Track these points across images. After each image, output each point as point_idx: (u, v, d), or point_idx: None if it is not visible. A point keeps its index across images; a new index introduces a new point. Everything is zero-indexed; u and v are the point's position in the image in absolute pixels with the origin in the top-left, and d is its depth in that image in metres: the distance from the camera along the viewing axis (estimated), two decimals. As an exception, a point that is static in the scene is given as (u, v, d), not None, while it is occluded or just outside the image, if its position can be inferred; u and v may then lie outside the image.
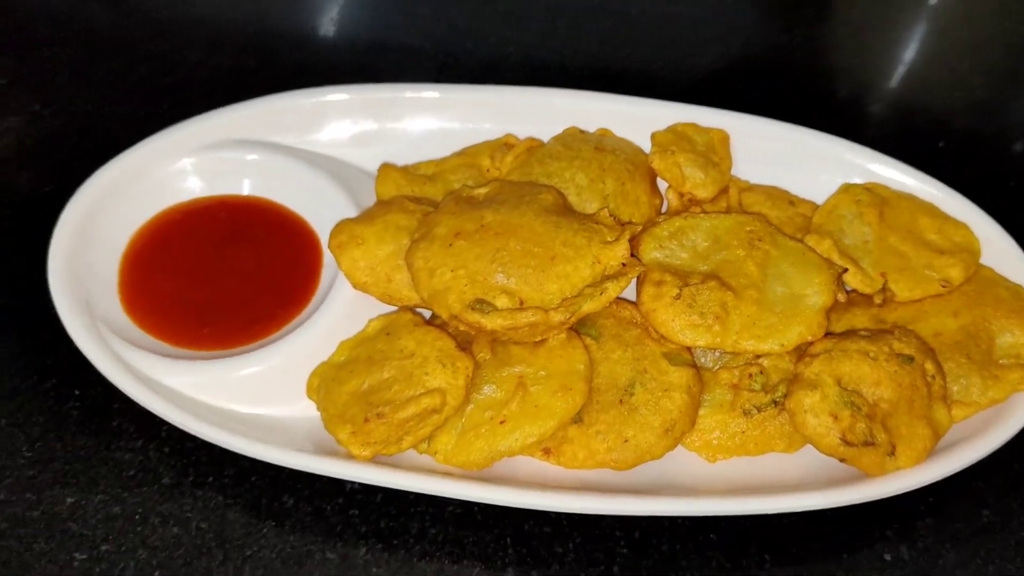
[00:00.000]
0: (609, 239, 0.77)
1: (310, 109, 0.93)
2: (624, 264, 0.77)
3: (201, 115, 0.89)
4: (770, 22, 1.20)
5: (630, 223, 0.81)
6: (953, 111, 1.11)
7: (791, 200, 0.91)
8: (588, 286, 0.75)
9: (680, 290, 0.77)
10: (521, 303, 0.73)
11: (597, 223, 0.79)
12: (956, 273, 0.81)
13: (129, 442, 0.79)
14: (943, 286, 0.81)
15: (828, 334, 0.77)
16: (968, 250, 0.84)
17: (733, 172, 0.93)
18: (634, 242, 0.83)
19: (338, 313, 0.80)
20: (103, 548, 0.73)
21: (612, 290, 0.74)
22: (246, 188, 0.88)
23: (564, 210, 0.81)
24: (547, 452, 0.75)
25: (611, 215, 0.82)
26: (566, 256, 0.76)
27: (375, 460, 0.72)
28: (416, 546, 0.74)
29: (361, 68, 1.11)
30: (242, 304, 0.83)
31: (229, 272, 0.84)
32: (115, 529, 0.74)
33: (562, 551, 0.74)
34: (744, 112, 0.93)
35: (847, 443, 0.70)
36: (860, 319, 0.82)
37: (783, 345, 0.75)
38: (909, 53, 1.20)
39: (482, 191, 0.83)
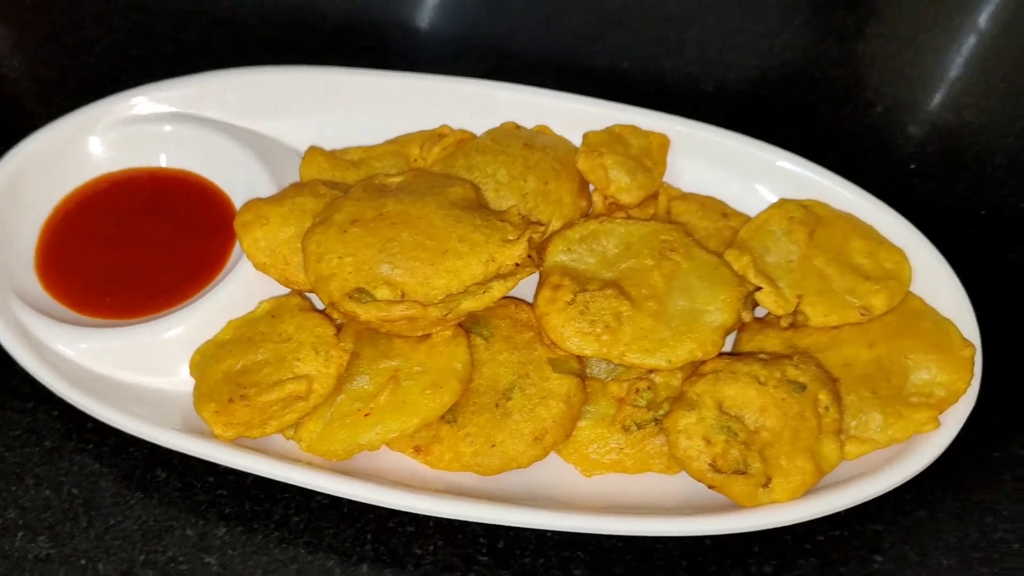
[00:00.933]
0: (510, 238, 0.75)
1: (249, 87, 0.92)
2: (518, 264, 0.74)
3: (126, 91, 0.90)
4: (808, 29, 1.14)
5: (536, 223, 0.78)
6: (938, 134, 1.04)
7: (725, 212, 0.87)
8: (476, 284, 0.73)
9: (575, 296, 0.74)
10: (403, 295, 0.72)
11: (503, 221, 0.77)
12: (878, 301, 0.76)
13: (22, 402, 0.80)
14: (862, 314, 0.76)
15: (725, 354, 0.74)
16: (897, 278, 0.78)
17: (673, 179, 0.90)
18: (545, 244, 0.80)
19: (235, 292, 0.79)
20: (-26, 503, 0.74)
21: (497, 290, 0.72)
22: (164, 160, 0.89)
23: (472, 205, 0.78)
24: (418, 450, 0.73)
25: (521, 215, 0.80)
26: (459, 252, 0.73)
27: (246, 444, 0.72)
28: (275, 532, 0.73)
29: (327, 48, 1.11)
30: (149, 275, 0.83)
31: (141, 243, 0.85)
32: (-10, 486, 0.75)
33: (421, 552, 0.72)
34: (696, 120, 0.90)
35: (716, 470, 0.67)
36: (771, 342, 0.78)
37: (671, 361, 0.71)
38: (953, 72, 1.13)
39: (396, 180, 0.81)
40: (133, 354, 0.77)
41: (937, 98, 1.07)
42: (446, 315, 0.70)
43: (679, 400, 0.70)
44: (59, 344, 0.76)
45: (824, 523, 0.72)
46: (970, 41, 1.14)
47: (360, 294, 0.71)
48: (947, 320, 0.77)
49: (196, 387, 0.73)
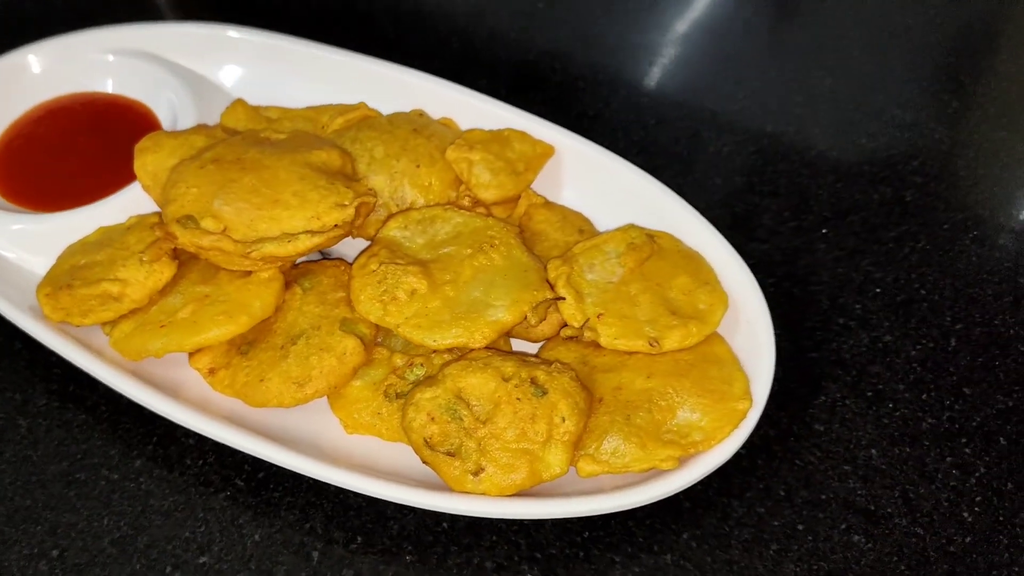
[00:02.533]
0: (345, 203, 0.81)
1: (206, 40, 1.03)
2: (337, 226, 0.80)
3: (105, 27, 1.03)
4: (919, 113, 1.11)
5: (369, 193, 0.83)
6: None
7: (582, 229, 0.89)
8: (288, 234, 0.79)
9: (381, 265, 0.79)
10: (224, 231, 0.79)
11: (347, 188, 0.83)
12: (671, 337, 0.76)
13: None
14: (651, 344, 0.76)
15: (499, 350, 0.76)
16: (702, 320, 0.78)
17: (554, 192, 0.93)
18: (388, 219, 0.86)
19: (120, 204, 0.90)
20: None
21: (302, 242, 0.78)
22: (111, 87, 1.01)
23: (329, 171, 0.85)
24: (211, 372, 0.80)
25: (371, 190, 0.85)
26: (288, 204, 0.80)
27: (73, 333, 0.81)
28: (83, 415, 0.82)
29: (316, 17, 1.20)
30: (73, 178, 0.95)
31: (78, 153, 0.97)
32: None
33: (190, 463, 0.79)
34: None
35: (430, 446, 0.70)
36: (568, 355, 0.79)
37: (436, 342, 0.75)
38: None
39: (280, 136, 0.89)
40: (23, 237, 0.88)
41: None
42: (249, 252, 0.77)
43: (429, 378, 0.74)
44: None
45: (563, 541, 0.73)
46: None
47: (187, 220, 0.79)
48: (741, 372, 0.76)
49: (46, 273, 0.84)
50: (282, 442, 0.75)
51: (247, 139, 0.87)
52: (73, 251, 0.85)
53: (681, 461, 0.71)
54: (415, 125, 0.93)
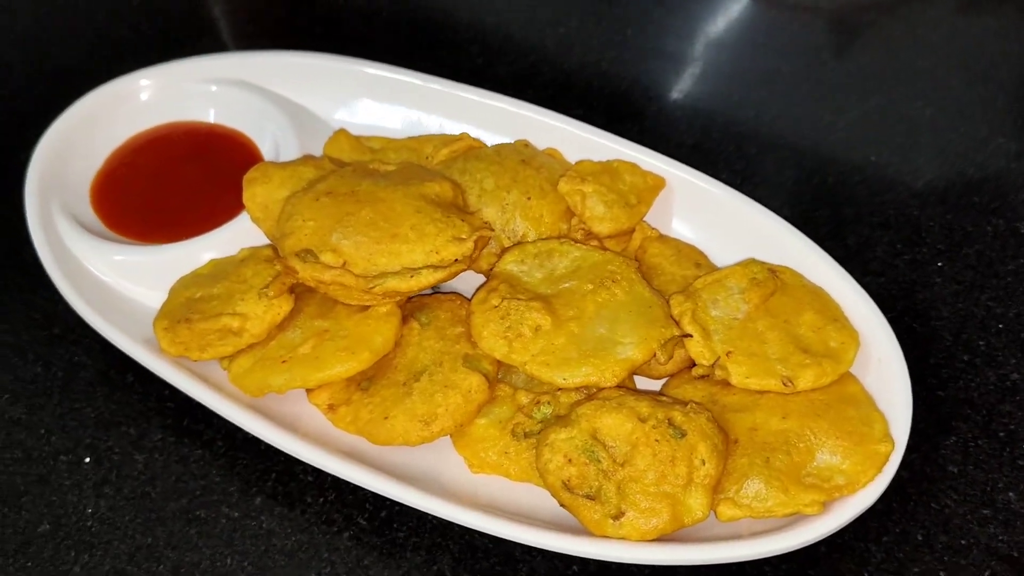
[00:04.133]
0: (462, 237, 0.80)
1: (307, 68, 1.03)
2: (456, 260, 0.79)
3: (205, 55, 1.03)
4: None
5: (486, 227, 0.82)
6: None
7: (699, 263, 0.87)
8: (410, 268, 0.78)
9: (503, 301, 0.78)
10: (344, 265, 0.78)
11: (463, 221, 0.82)
12: (805, 376, 0.74)
13: (50, 293, 0.90)
14: (784, 384, 0.74)
15: (631, 388, 0.75)
16: (835, 358, 0.76)
17: (665, 224, 0.91)
18: (504, 252, 0.84)
19: (229, 236, 0.89)
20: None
21: (424, 277, 0.77)
22: (213, 116, 1.01)
23: (443, 203, 0.84)
24: (331, 408, 0.79)
25: (486, 222, 0.85)
26: (407, 238, 0.79)
27: (189, 367, 0.80)
28: (199, 450, 0.81)
29: (409, 54, 1.20)
30: (178, 209, 0.95)
31: (181, 182, 0.97)
32: (1, 355, 0.89)
33: (311, 501, 0.78)
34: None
35: (568, 489, 0.68)
36: (695, 393, 0.77)
37: (566, 380, 0.73)
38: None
39: (389, 167, 0.89)
40: (134, 269, 0.88)
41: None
42: (371, 288, 0.76)
43: (562, 417, 0.72)
44: (78, 250, 0.88)
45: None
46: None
47: (306, 254, 0.78)
48: (878, 413, 0.74)
49: (162, 305, 0.83)
50: (405, 480, 0.73)
51: (357, 171, 0.87)
52: (186, 284, 0.85)
53: (825, 506, 0.69)
54: (523, 156, 0.92)
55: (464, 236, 0.80)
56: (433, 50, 1.21)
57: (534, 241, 0.85)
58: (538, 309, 0.77)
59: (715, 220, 0.90)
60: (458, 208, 0.85)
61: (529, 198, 0.88)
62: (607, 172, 0.90)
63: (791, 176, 1.03)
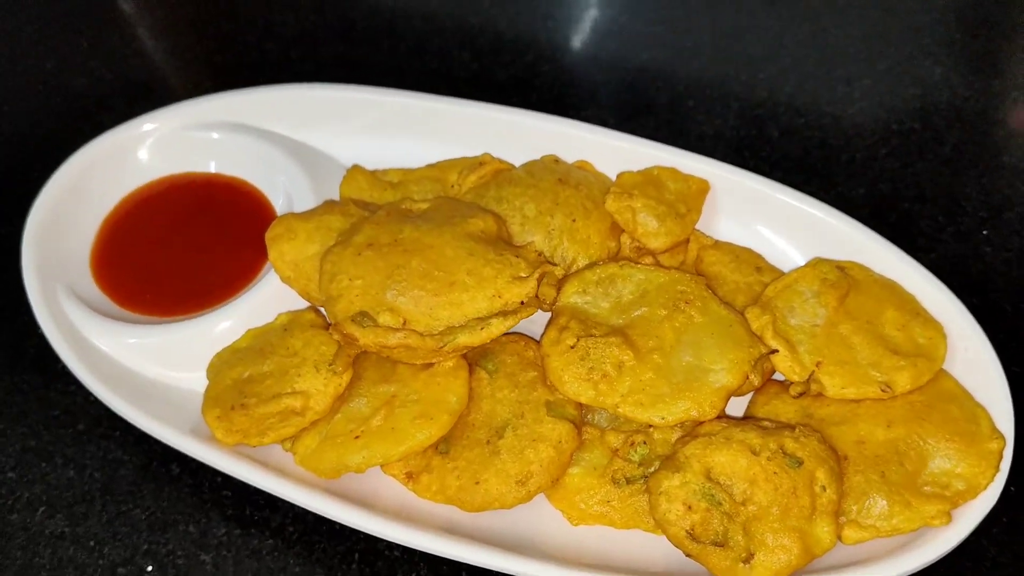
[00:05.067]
0: (522, 275, 0.75)
1: (302, 102, 0.96)
2: (523, 303, 0.74)
3: (192, 99, 0.94)
4: (891, 78, 1.09)
5: (549, 263, 0.77)
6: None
7: (759, 266, 0.84)
8: (477, 319, 0.73)
9: (578, 340, 0.73)
10: (404, 323, 0.73)
11: (518, 257, 0.77)
12: (902, 379, 0.72)
13: (65, 385, 0.85)
14: (883, 390, 0.72)
15: (731, 418, 0.71)
16: (927, 356, 0.74)
17: (711, 226, 0.88)
18: (561, 283, 0.80)
19: (259, 301, 0.82)
20: (8, 475, 0.80)
21: (495, 327, 0.72)
22: (214, 167, 0.93)
23: (491, 239, 0.79)
24: (410, 477, 0.74)
25: (539, 252, 0.80)
26: (466, 285, 0.74)
27: (246, 452, 0.74)
28: (270, 539, 0.75)
29: (396, 69, 1.13)
30: (189, 275, 0.87)
31: (187, 244, 0.89)
32: (24, 461, 0.81)
33: (403, 578, 0.73)
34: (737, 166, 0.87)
35: (694, 538, 0.65)
36: (786, 408, 0.74)
37: (664, 418, 0.69)
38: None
39: (422, 206, 0.83)
40: (161, 351, 0.81)
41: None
42: (441, 347, 0.71)
43: (667, 460, 0.68)
44: (96, 337, 0.81)
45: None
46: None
47: (362, 318, 0.73)
48: (980, 407, 0.72)
49: (207, 390, 0.77)
50: (504, 545, 0.69)
51: (392, 215, 0.81)
52: (228, 363, 0.78)
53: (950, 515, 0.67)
54: (558, 174, 0.87)
55: (524, 274, 0.75)
56: (422, 60, 1.14)
57: (591, 267, 0.80)
58: (618, 344, 0.72)
59: (762, 217, 0.87)
60: (505, 242, 0.80)
61: (574, 220, 0.84)
62: (651, 183, 0.85)
63: (818, 156, 1.00)
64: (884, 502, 0.67)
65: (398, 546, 0.75)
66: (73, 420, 0.83)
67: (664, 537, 0.70)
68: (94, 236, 0.90)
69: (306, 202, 0.88)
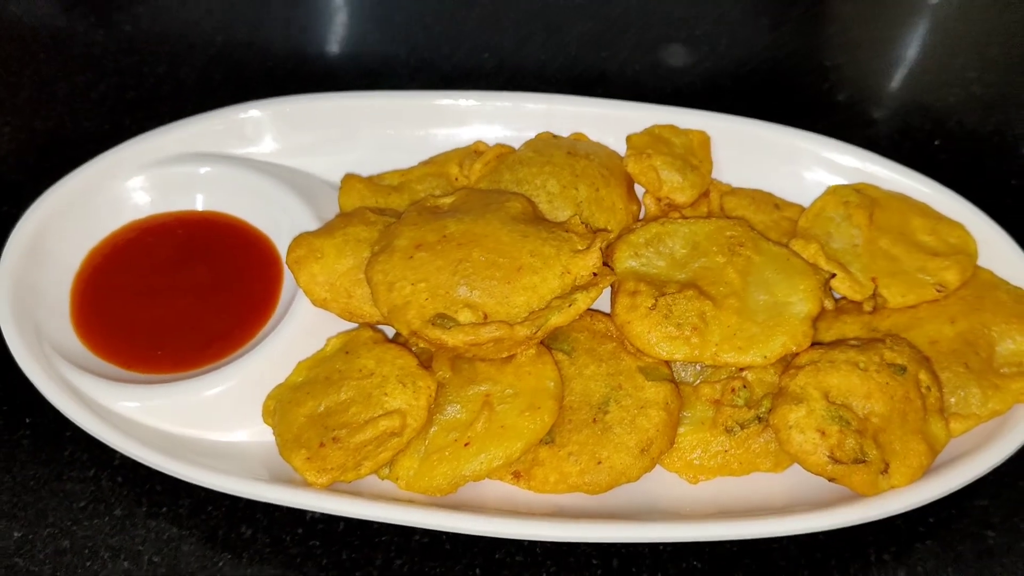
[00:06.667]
0: (580, 248, 0.73)
1: (268, 120, 0.89)
2: (595, 274, 0.72)
3: (152, 131, 0.85)
4: (757, 19, 1.15)
5: (603, 230, 0.76)
6: (953, 110, 1.05)
7: (776, 204, 0.86)
8: (556, 298, 0.70)
9: (656, 300, 0.72)
10: (485, 317, 0.69)
11: (568, 231, 0.75)
12: (952, 276, 0.76)
13: (81, 471, 0.75)
14: (938, 291, 0.76)
15: (815, 344, 0.73)
16: (964, 252, 0.79)
17: (714, 175, 0.89)
18: (608, 251, 0.78)
19: (297, 331, 0.76)
20: (49, 585, 0.69)
21: (582, 302, 0.70)
22: (200, 203, 0.85)
23: (533, 218, 0.76)
24: (517, 476, 0.70)
25: (583, 223, 0.78)
26: (533, 267, 0.71)
27: (334, 488, 0.68)
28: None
29: (331, 76, 1.08)
30: (197, 324, 0.79)
31: (183, 291, 0.80)
32: (63, 564, 0.70)
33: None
34: (730, 114, 0.89)
35: (836, 461, 0.66)
36: (851, 327, 0.77)
37: (766, 357, 0.70)
38: (909, 52, 1.15)
39: (447, 200, 0.79)
40: (201, 407, 0.72)
41: (950, 75, 1.08)
42: (535, 332, 0.68)
43: (781, 395, 0.69)
44: (122, 404, 0.72)
45: (931, 504, 0.71)
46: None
47: (442, 320, 0.68)
48: (1020, 289, 0.78)
49: (279, 434, 0.69)
50: (638, 518, 0.68)
51: (423, 213, 0.77)
52: (292, 400, 0.71)
53: (1035, 389, 0.72)
54: (565, 148, 0.85)
55: (580, 247, 0.73)
56: (370, 79, 1.08)
57: (632, 231, 0.80)
58: (696, 296, 0.72)
59: (763, 159, 0.89)
60: (545, 220, 0.78)
61: (598, 190, 0.83)
62: (660, 140, 0.86)
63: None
64: (977, 390, 0.71)
65: (517, 551, 0.71)
66: (107, 507, 0.73)
67: (780, 473, 0.72)
68: (69, 298, 0.79)
69: (306, 225, 0.82)
